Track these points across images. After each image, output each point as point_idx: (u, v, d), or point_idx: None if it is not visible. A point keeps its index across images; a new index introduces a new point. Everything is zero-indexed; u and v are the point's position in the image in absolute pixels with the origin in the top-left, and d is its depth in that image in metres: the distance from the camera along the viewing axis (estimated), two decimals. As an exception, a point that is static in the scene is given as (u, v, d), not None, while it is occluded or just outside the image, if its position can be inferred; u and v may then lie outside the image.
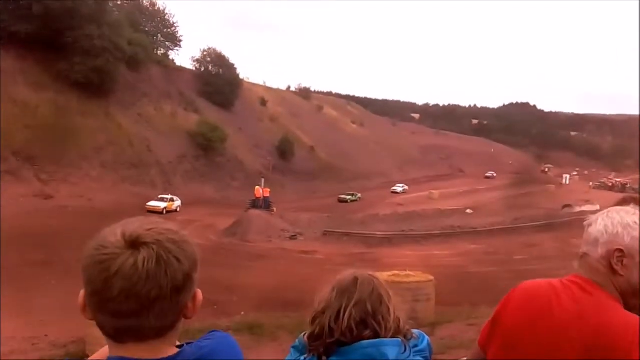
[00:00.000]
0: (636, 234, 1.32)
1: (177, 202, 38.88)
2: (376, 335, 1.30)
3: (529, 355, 1.35)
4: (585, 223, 1.43)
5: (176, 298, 0.94)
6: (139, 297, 0.90)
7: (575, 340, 1.27)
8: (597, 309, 1.30)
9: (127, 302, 0.91)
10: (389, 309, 1.34)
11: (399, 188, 65.35)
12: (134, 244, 0.93)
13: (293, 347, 1.45)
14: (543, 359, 1.32)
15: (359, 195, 56.03)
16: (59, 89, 41.19)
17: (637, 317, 1.26)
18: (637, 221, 1.35)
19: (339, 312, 1.31)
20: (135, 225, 0.96)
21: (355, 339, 1.29)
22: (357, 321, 1.30)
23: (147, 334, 0.95)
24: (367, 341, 1.28)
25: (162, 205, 36.79)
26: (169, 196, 38.88)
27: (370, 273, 1.42)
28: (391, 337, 1.31)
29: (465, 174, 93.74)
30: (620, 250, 1.32)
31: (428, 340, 1.44)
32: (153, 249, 0.92)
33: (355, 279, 1.36)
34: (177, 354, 0.97)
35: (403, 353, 1.30)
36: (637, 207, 1.41)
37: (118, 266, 0.91)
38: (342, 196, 53.83)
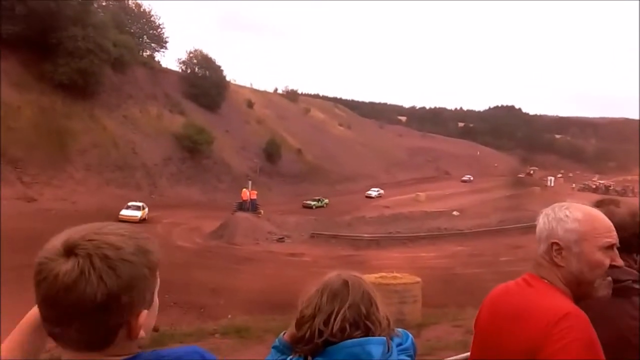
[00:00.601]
0: (568, 226, 1.42)
1: (146, 210, 35.55)
2: (368, 335, 1.31)
3: (488, 354, 1.46)
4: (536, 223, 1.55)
5: (100, 317, 0.89)
6: (59, 307, 0.89)
7: (514, 332, 1.37)
8: (532, 298, 1.40)
9: (49, 309, 0.90)
10: (378, 308, 1.36)
11: (373, 192, 62.52)
12: (68, 252, 0.91)
13: (274, 347, 1.45)
14: (497, 354, 1.42)
15: (326, 200, 52.49)
16: (42, 90, 40.65)
17: (569, 306, 1.33)
18: (569, 214, 1.44)
19: (330, 315, 1.31)
20: (86, 231, 0.95)
21: (345, 339, 1.29)
22: (350, 323, 1.30)
23: (76, 345, 0.92)
24: (352, 340, 1.28)
25: (137, 214, 33.68)
26: (140, 203, 35.70)
27: (355, 274, 1.42)
28: (379, 335, 1.32)
29: (451, 176, 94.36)
30: (557, 244, 1.43)
31: (412, 339, 1.45)
32: (79, 262, 0.90)
33: (346, 282, 1.36)
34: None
35: (387, 352, 1.30)
36: (571, 202, 1.52)
37: (45, 273, 0.90)
38: (307, 202, 50.29)
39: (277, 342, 1.45)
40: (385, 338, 1.31)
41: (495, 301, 1.52)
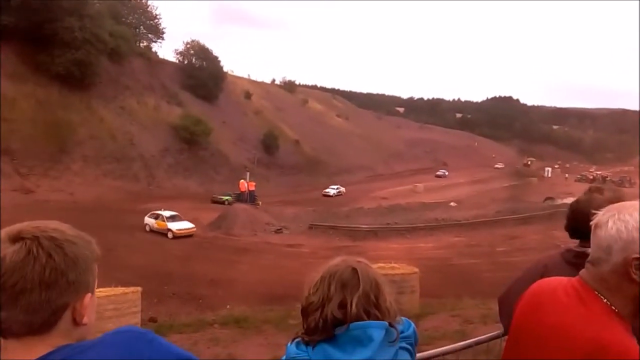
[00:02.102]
0: None
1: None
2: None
3: (520, 356, 1.38)
4: (591, 223, 1.28)
5: (46, 294, 0.93)
6: (4, 289, 0.91)
7: (555, 353, 1.25)
8: (587, 325, 1.23)
9: None
10: (385, 296, 1.36)
11: (331, 190, 54.98)
12: (13, 238, 0.95)
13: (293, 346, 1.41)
14: None
15: (229, 198, 43.09)
16: (39, 82, 40.43)
17: (635, 342, 1.18)
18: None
19: (342, 304, 1.31)
20: (26, 224, 0.99)
21: None
22: (362, 311, 1.31)
23: (19, 329, 0.94)
24: (355, 323, 1.29)
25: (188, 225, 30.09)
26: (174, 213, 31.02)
27: (360, 260, 1.42)
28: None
29: (449, 167, 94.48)
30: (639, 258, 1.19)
31: (414, 328, 1.45)
32: (26, 243, 0.94)
33: (355, 270, 1.36)
34: (48, 354, 0.95)
35: (393, 342, 1.31)
36: None
37: None
38: (217, 196, 42.09)
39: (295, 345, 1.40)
40: (386, 322, 1.31)
41: (539, 304, 1.35)
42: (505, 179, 74.97)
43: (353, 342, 1.28)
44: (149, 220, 29.65)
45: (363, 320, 1.30)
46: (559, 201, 42.88)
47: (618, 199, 1.78)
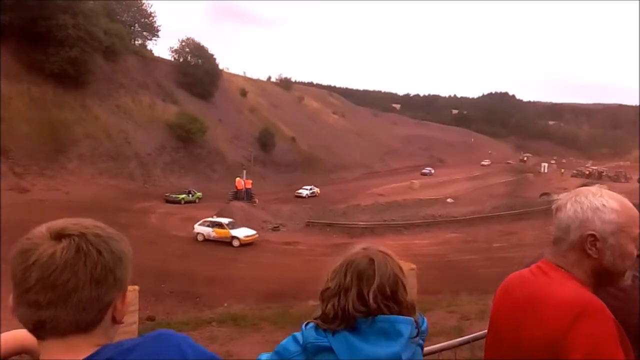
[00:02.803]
0: (606, 217, 1.33)
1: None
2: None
3: (503, 346, 1.40)
4: (553, 207, 1.43)
5: (96, 291, 0.93)
6: (55, 287, 0.90)
7: (530, 324, 1.31)
8: (548, 287, 1.34)
9: (43, 292, 0.90)
10: (404, 288, 1.35)
11: (304, 191, 51.81)
12: (57, 235, 0.93)
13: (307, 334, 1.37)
14: (513, 346, 1.37)
15: (199, 194, 42.12)
16: (33, 80, 40.24)
17: (588, 297, 1.28)
18: (606, 204, 1.35)
19: (360, 295, 1.30)
20: (63, 221, 0.97)
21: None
22: (381, 305, 1.29)
23: (66, 328, 0.93)
24: (382, 316, 1.28)
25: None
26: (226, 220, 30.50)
27: (382, 250, 1.40)
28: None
29: (445, 163, 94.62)
30: (593, 235, 1.33)
31: (427, 324, 1.45)
32: (74, 240, 0.93)
33: (372, 261, 1.33)
34: (94, 354, 0.93)
35: (415, 337, 1.31)
36: (603, 188, 1.42)
37: (37, 256, 0.91)
38: (172, 195, 39.86)
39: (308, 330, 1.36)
40: (412, 319, 1.32)
41: (509, 290, 1.45)
42: (502, 174, 75.10)
43: (378, 334, 1.27)
44: (202, 229, 27.73)
45: (385, 314, 1.29)
46: (555, 197, 42.79)
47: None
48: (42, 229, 0.95)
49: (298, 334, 1.36)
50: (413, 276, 11.31)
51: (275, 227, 32.67)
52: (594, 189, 1.41)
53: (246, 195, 38.40)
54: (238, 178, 40.29)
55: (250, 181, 40.87)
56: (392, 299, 1.31)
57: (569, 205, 1.38)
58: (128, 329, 10.53)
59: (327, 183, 61.85)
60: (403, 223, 34.16)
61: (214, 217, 29.52)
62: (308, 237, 29.84)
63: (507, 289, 1.47)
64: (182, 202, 38.92)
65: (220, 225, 27.74)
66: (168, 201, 38.57)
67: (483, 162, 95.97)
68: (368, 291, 1.29)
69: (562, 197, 1.42)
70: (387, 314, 1.29)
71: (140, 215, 32.72)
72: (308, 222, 33.87)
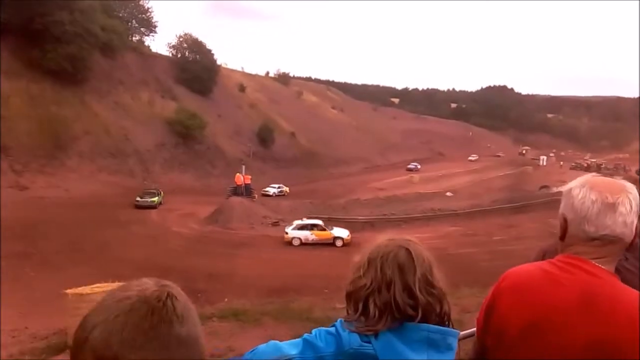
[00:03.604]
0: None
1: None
2: (435, 309, 1.27)
3: (538, 348, 1.31)
4: (606, 202, 1.31)
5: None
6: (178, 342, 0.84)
7: (581, 329, 1.25)
8: (603, 287, 1.28)
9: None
10: (437, 275, 1.32)
11: (271, 189, 47.18)
12: (161, 290, 0.90)
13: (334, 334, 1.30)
14: (552, 351, 1.29)
15: (157, 199, 35.75)
16: (31, 77, 40.15)
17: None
18: (632, 188, 1.35)
19: (405, 287, 1.25)
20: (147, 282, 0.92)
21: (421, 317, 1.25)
22: (425, 295, 1.25)
23: None
24: (434, 326, 1.24)
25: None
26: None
27: (409, 239, 1.36)
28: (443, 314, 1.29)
29: (445, 157, 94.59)
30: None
31: None
32: (178, 297, 0.90)
33: (409, 252, 1.30)
34: None
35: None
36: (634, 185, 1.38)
37: (162, 312, 0.85)
38: (139, 199, 35.01)
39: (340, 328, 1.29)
40: (459, 332, 1.30)
41: (530, 289, 1.35)
42: (501, 168, 75.05)
43: (427, 344, 1.22)
44: (298, 234, 26.38)
45: (432, 308, 1.26)
46: (554, 189, 43.01)
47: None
48: (146, 286, 0.90)
49: (332, 330, 1.29)
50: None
51: (275, 223, 32.68)
52: (616, 179, 1.39)
53: (245, 191, 38.43)
54: (238, 174, 40.33)
55: (250, 177, 40.88)
56: (433, 286, 1.28)
57: (630, 200, 1.31)
58: (129, 325, 10.60)
59: (326, 178, 61.89)
60: (403, 217, 34.22)
61: (303, 219, 28.53)
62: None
63: (527, 288, 1.37)
64: (157, 205, 34.70)
65: (319, 226, 26.94)
66: (138, 207, 33.76)
67: (470, 158, 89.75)
68: (413, 282, 1.25)
69: (609, 191, 1.32)
70: (432, 316, 1.26)
71: (140, 211, 32.76)
72: (308, 217, 33.90)
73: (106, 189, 37.44)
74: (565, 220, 1.37)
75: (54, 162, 37.71)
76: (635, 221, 1.30)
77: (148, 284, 0.88)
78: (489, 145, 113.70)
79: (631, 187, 1.34)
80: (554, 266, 1.35)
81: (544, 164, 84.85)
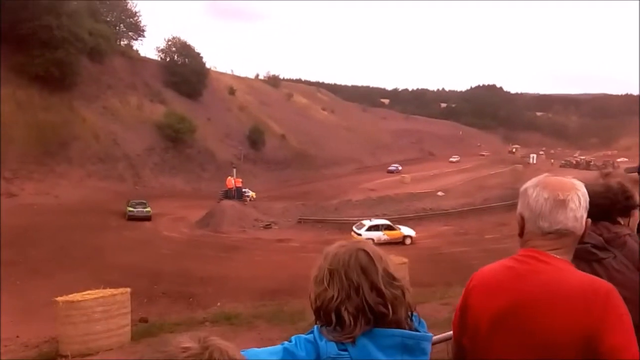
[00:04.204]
0: (587, 198, 1.46)
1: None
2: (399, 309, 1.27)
3: (514, 339, 1.37)
4: (557, 199, 1.43)
5: None
6: None
7: (547, 312, 1.32)
8: (560, 275, 1.37)
9: None
10: (392, 265, 1.33)
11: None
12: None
13: (310, 342, 1.30)
14: (521, 340, 1.35)
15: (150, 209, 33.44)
16: (18, 83, 39.74)
17: (601, 280, 1.38)
18: (581, 186, 1.47)
19: (372, 287, 1.25)
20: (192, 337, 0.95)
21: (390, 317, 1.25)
22: (389, 289, 1.26)
23: None
24: (408, 332, 1.27)
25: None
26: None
27: (356, 240, 1.39)
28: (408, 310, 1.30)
29: (435, 157, 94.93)
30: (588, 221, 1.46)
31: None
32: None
33: (365, 252, 1.30)
34: None
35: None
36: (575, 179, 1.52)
37: None
38: (131, 209, 32.72)
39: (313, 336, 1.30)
40: (432, 335, 1.32)
41: (497, 284, 1.44)
42: (491, 166, 75.42)
43: (401, 349, 1.24)
44: (371, 234, 25.21)
45: (400, 302, 1.27)
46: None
47: (617, 183, 1.90)
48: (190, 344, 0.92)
49: (310, 338, 1.29)
50: (405, 269, 11.39)
51: (267, 225, 32.63)
52: (567, 178, 1.51)
53: (237, 194, 38.32)
54: (229, 177, 40.22)
55: (240, 180, 40.77)
56: (394, 277, 1.29)
57: (579, 196, 1.44)
58: (121, 331, 10.51)
59: (318, 179, 61.86)
60: (395, 217, 34.21)
61: (371, 219, 28.43)
62: (300, 234, 29.84)
63: (493, 284, 1.46)
64: (132, 216, 31.98)
65: (389, 226, 27.02)
66: (130, 218, 31.74)
67: (451, 159, 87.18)
68: (378, 280, 1.26)
69: (560, 188, 1.45)
70: (401, 309, 1.27)
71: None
72: (300, 219, 33.88)
73: (96, 194, 37.16)
74: (522, 218, 1.49)
75: (42, 168, 37.36)
76: (585, 215, 1.44)
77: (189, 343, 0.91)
78: (479, 144, 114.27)
79: (580, 185, 1.47)
80: (515, 261, 1.46)
81: (534, 162, 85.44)
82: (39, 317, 12.82)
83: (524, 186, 1.51)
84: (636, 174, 2.56)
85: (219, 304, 14.31)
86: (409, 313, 1.31)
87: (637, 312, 1.71)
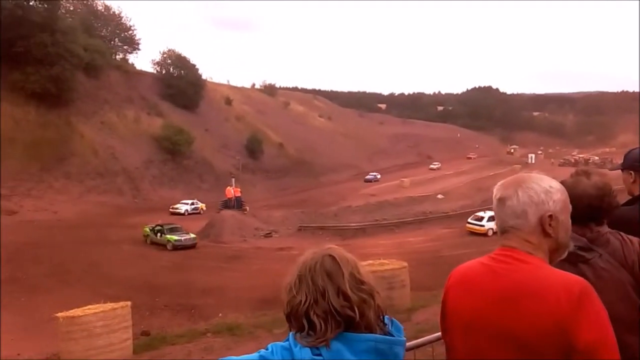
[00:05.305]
0: (555, 197, 1.45)
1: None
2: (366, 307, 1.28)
3: (489, 337, 1.38)
4: (496, 198, 1.49)
5: None
6: None
7: (523, 309, 1.33)
8: (533, 273, 1.37)
9: None
10: (363, 270, 1.34)
11: (183, 206, 40.54)
12: None
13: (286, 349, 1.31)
14: (497, 336, 1.36)
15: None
16: (15, 101, 39.83)
17: (576, 276, 1.37)
18: (552, 184, 1.47)
19: (338, 292, 1.27)
20: None
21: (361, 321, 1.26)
22: (356, 293, 1.28)
23: None
24: (381, 336, 1.28)
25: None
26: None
27: (329, 246, 1.40)
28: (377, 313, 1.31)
29: (433, 160, 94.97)
30: (551, 216, 1.42)
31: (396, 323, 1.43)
32: None
33: (332, 257, 1.33)
34: None
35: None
36: (536, 174, 1.53)
37: None
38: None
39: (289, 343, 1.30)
40: (405, 340, 1.33)
41: (473, 282, 1.46)
42: (490, 168, 75.46)
43: (374, 354, 1.26)
44: (491, 225, 27.32)
45: (367, 304, 1.28)
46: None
47: (605, 184, 1.89)
48: None
49: (286, 345, 1.29)
50: (405, 274, 11.39)
51: (267, 234, 32.58)
52: (532, 174, 1.52)
53: (236, 204, 38.30)
54: (228, 187, 40.23)
55: (239, 189, 40.76)
56: (361, 282, 1.31)
57: (520, 193, 1.45)
58: (123, 345, 10.48)
59: (317, 186, 61.86)
60: (395, 222, 34.24)
61: (486, 211, 29.85)
62: (301, 242, 29.74)
63: (469, 282, 1.48)
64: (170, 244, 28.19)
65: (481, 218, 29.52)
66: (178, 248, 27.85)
67: (431, 166, 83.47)
68: (343, 284, 1.28)
69: (503, 187, 1.49)
70: (370, 312, 1.27)
71: (130, 230, 32.42)
72: (300, 226, 33.84)
73: (95, 209, 37.15)
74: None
75: (41, 184, 37.36)
76: (532, 210, 1.42)
77: None
78: (477, 146, 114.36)
79: (531, 181, 1.47)
80: (491, 259, 1.47)
81: (533, 161, 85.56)
82: (40, 334, 12.78)
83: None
84: (619, 170, 2.59)
85: (220, 314, 14.27)
86: (380, 316, 1.32)
87: (629, 308, 1.73)
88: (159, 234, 28.77)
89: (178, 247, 27.81)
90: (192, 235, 29.26)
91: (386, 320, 1.35)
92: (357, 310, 1.26)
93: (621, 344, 1.32)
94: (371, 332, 1.28)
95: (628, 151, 2.57)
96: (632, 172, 2.46)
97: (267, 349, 1.31)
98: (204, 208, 41.37)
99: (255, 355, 1.30)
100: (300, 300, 1.29)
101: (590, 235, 1.81)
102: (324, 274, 1.31)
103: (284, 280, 1.39)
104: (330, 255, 1.34)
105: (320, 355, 1.24)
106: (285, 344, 1.31)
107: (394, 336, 1.33)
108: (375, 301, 1.31)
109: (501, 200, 1.47)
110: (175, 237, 28.30)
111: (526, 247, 1.43)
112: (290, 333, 1.33)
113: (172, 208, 39.76)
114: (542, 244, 1.44)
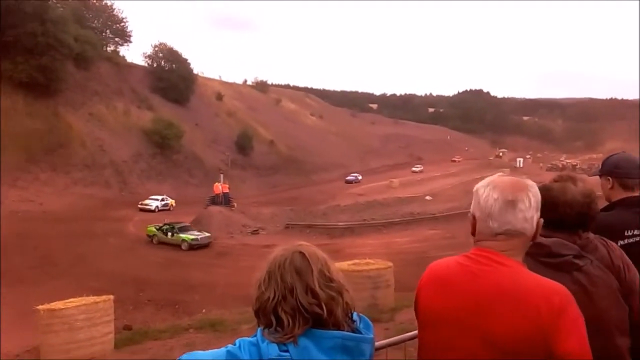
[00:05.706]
0: (538, 198, 1.44)
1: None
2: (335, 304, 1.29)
3: (464, 337, 1.37)
4: (507, 200, 1.42)
5: None
6: None
7: (502, 312, 1.32)
8: (514, 276, 1.36)
9: None
10: (334, 269, 1.35)
11: (153, 202, 38.82)
12: None
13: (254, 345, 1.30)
14: (471, 338, 1.36)
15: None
16: (2, 90, 39.30)
17: (556, 283, 1.36)
18: (533, 185, 1.46)
19: (307, 289, 1.27)
20: None
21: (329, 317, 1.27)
22: (325, 290, 1.28)
23: None
24: (349, 333, 1.29)
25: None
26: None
27: (300, 243, 1.39)
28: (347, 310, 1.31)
29: (423, 161, 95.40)
30: (540, 221, 1.44)
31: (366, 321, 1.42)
32: None
33: (302, 254, 1.33)
34: None
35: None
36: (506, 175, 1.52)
37: None
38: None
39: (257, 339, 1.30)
40: (372, 337, 1.33)
41: (450, 282, 1.43)
42: (479, 170, 76.01)
43: (340, 351, 1.26)
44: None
45: (336, 301, 1.28)
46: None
47: (591, 190, 1.89)
48: None
49: (254, 340, 1.29)
50: (390, 274, 11.42)
51: (254, 231, 32.51)
52: (520, 178, 1.49)
53: (224, 200, 38.14)
54: (216, 183, 40.05)
55: (228, 185, 40.62)
56: (330, 279, 1.31)
57: (531, 197, 1.42)
58: (104, 339, 10.40)
59: (307, 184, 61.87)
60: (383, 222, 34.33)
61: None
62: (288, 240, 28.23)
63: (445, 281, 1.45)
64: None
65: None
66: (194, 247, 27.10)
67: (413, 169, 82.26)
68: (312, 281, 1.28)
69: (512, 190, 1.43)
70: (338, 310, 1.28)
71: (117, 223, 32.23)
72: (288, 224, 33.82)
73: (82, 201, 36.81)
74: (474, 218, 1.48)
75: (27, 175, 36.92)
76: (535, 216, 1.42)
77: None
78: (466, 148, 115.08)
79: (532, 186, 1.45)
80: (469, 259, 1.45)
81: (521, 165, 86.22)
82: (20, 327, 12.63)
83: (476, 186, 1.51)
84: (597, 176, 2.61)
85: (204, 310, 14.23)
86: (349, 313, 1.32)
87: (620, 312, 1.73)
88: (169, 234, 27.80)
89: (194, 246, 26.93)
90: (208, 234, 28.53)
91: (355, 318, 1.36)
92: (325, 308, 1.27)
93: (612, 346, 1.33)
94: (339, 329, 1.29)
95: (606, 157, 2.59)
96: (609, 177, 2.48)
97: (234, 344, 1.31)
98: (174, 204, 40.28)
99: (222, 350, 1.29)
100: (269, 297, 1.29)
101: (580, 242, 1.80)
102: (293, 271, 1.31)
103: (254, 276, 1.38)
104: (300, 252, 1.34)
105: (287, 351, 1.24)
106: (253, 339, 1.30)
107: (362, 333, 1.33)
108: (343, 298, 1.31)
109: (512, 203, 1.41)
110: (192, 237, 27.39)
111: (510, 251, 1.41)
112: (259, 329, 1.32)
113: (142, 204, 38.12)
114: (524, 246, 1.44)
